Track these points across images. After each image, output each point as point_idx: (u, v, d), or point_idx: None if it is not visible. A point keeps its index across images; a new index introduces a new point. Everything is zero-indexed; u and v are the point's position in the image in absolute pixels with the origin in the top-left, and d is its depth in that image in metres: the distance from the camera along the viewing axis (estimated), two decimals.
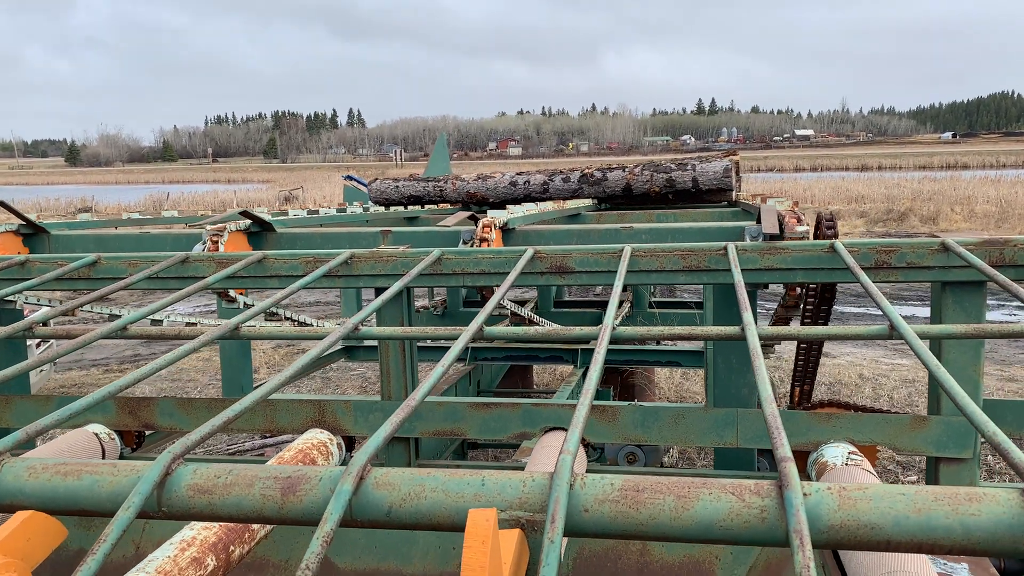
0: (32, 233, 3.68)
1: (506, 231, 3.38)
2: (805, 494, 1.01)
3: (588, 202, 5.42)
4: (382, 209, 6.73)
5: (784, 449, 1.10)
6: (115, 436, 2.82)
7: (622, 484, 1.07)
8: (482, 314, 1.88)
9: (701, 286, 7.65)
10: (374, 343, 6.37)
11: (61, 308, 2.21)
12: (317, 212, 4.75)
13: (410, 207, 6.71)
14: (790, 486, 1.00)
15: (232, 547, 1.94)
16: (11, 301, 3.28)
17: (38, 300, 3.75)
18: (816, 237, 2.93)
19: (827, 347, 11.79)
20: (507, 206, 4.04)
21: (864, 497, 1.00)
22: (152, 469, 1.16)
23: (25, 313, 3.41)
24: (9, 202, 3.86)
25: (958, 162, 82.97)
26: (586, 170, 5.90)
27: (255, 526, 2.01)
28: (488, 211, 3.62)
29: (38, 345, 8.83)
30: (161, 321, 4.43)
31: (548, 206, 4.52)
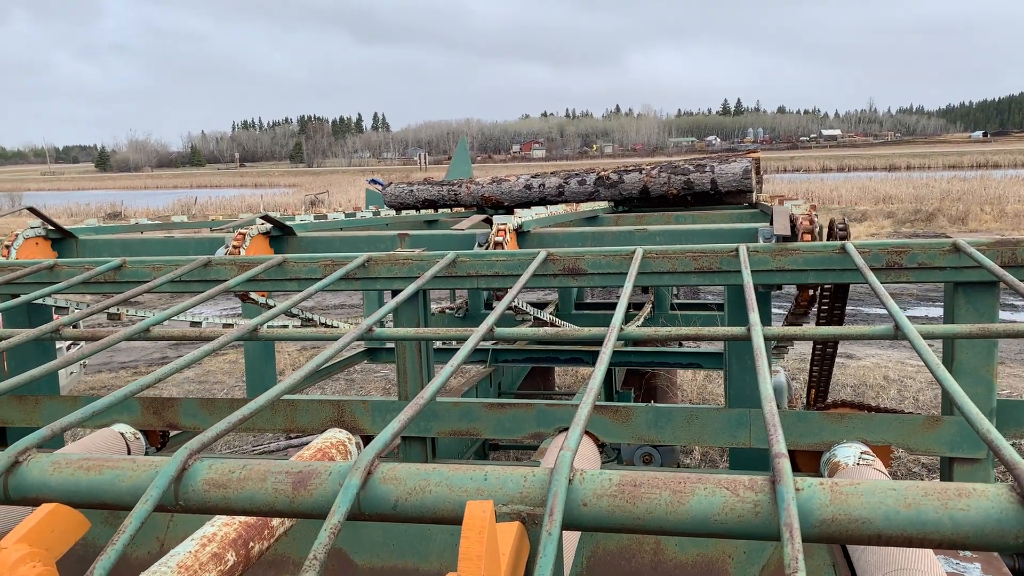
0: (60, 238, 3.77)
1: (520, 234, 3.42)
2: (797, 489, 1.03)
3: (604, 205, 5.44)
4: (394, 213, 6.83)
5: (779, 445, 1.12)
6: (140, 436, 2.90)
7: (620, 479, 1.11)
8: (493, 314, 1.92)
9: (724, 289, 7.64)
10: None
11: (88, 311, 2.28)
12: (325, 217, 4.82)
13: (424, 211, 6.78)
14: (782, 481, 1.02)
15: (252, 543, 2.00)
16: (41, 304, 3.37)
17: (66, 303, 3.84)
18: (829, 239, 2.93)
19: (852, 349, 11.70)
20: (515, 210, 4.08)
21: (855, 492, 1.03)
22: (169, 464, 1.21)
23: (54, 316, 3.50)
24: (41, 208, 3.96)
25: (989, 161, 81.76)
26: (602, 172, 5.91)
27: (274, 523, 2.07)
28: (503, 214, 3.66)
29: (68, 348, 8.99)
30: (199, 323, 4.52)
31: (560, 209, 4.55)
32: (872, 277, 2.00)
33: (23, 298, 2.60)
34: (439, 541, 2.51)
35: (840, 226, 2.79)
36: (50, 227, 3.62)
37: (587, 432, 2.63)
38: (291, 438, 8.58)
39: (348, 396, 5.09)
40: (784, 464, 1.06)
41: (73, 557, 1.25)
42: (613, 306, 8.00)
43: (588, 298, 8.68)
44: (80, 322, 2.43)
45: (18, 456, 1.29)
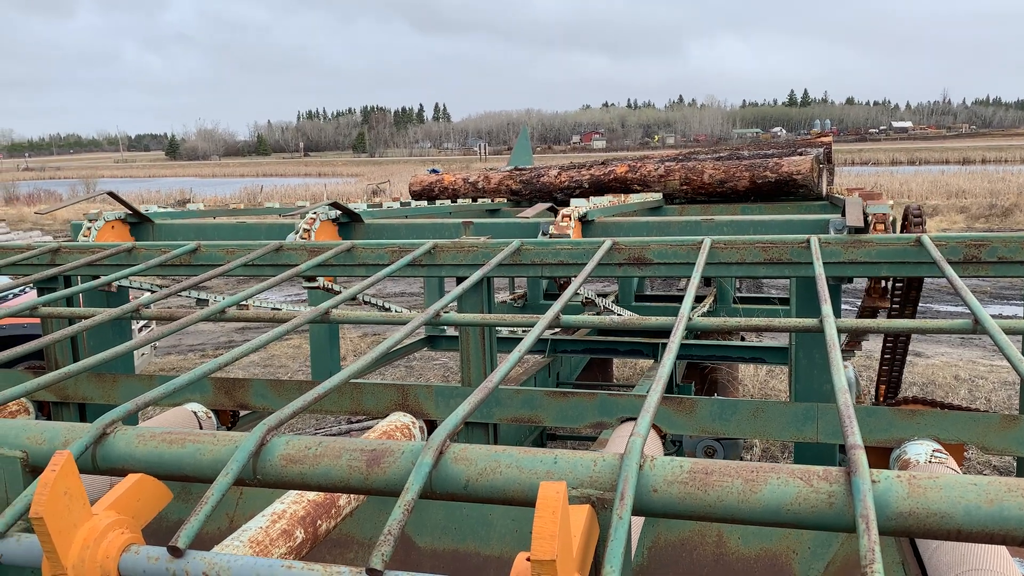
0: (138, 222, 3.91)
1: (585, 222, 3.41)
2: (874, 481, 1.02)
3: (658, 196, 5.36)
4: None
5: (855, 437, 1.11)
6: (212, 415, 2.99)
7: (691, 466, 1.10)
8: (559, 302, 1.93)
9: (789, 283, 7.47)
10: (456, 333, 6.48)
11: (165, 292, 2.36)
12: (379, 206, 4.87)
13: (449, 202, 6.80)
14: (858, 472, 1.01)
15: (319, 521, 2.05)
16: (120, 285, 3.49)
17: (141, 285, 3.97)
18: (903, 231, 2.86)
19: (920, 347, 11.38)
20: (561, 201, 4.04)
21: (934, 486, 1.01)
22: (248, 439, 1.25)
23: (131, 298, 3.63)
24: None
25: None
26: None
27: (341, 502, 2.11)
28: (570, 202, 3.65)
29: (140, 330, 9.29)
30: (262, 307, 4.64)
31: (606, 200, 4.50)
32: (950, 270, 1.94)
33: (104, 279, 2.70)
34: (500, 526, 2.53)
35: (916, 215, 2.72)
36: (128, 212, 3.76)
37: None
38: (352, 422, 8.74)
39: (411, 381, 5.13)
40: (860, 456, 1.05)
41: (148, 531, 1.30)
42: (673, 298, 7.94)
43: (647, 290, 8.61)
44: (154, 303, 2.51)
45: (106, 428, 1.34)
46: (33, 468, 1.37)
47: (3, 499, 1.38)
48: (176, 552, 1.08)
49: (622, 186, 5.81)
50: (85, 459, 1.32)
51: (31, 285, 2.80)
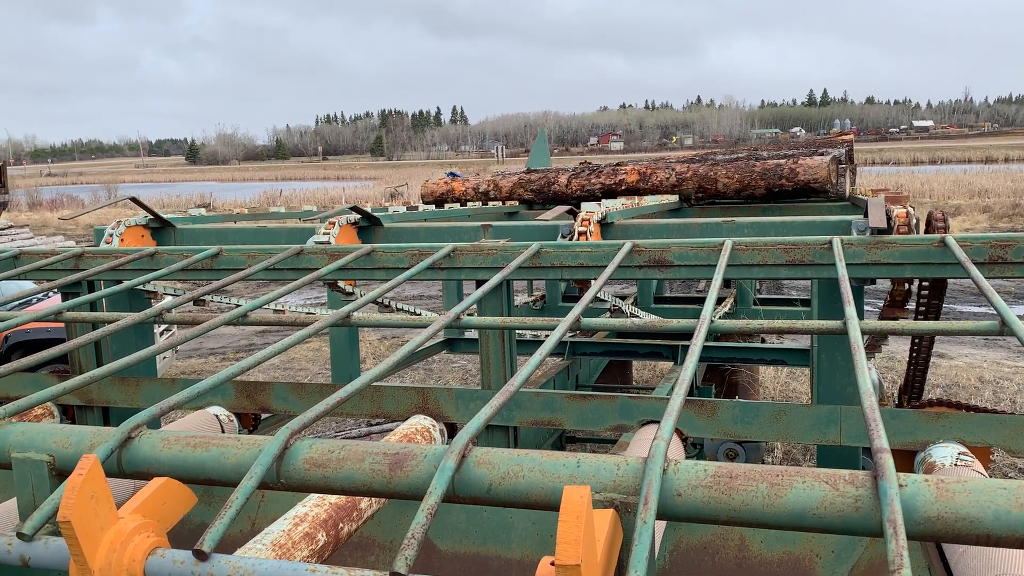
0: (159, 227, 3.94)
1: (604, 225, 3.41)
2: (901, 485, 1.01)
3: (674, 199, 5.32)
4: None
5: (881, 440, 1.10)
6: (233, 418, 3.00)
7: (715, 470, 1.10)
8: (579, 305, 1.92)
9: (809, 284, 7.41)
10: (475, 336, 6.48)
11: (188, 296, 2.38)
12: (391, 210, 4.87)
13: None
14: (885, 476, 1.00)
15: (341, 524, 2.05)
16: (140, 289, 3.52)
17: (163, 289, 4.01)
18: (927, 232, 2.83)
19: (944, 348, 11.26)
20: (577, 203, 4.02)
21: (963, 490, 1.00)
22: (272, 443, 1.25)
23: (152, 301, 3.65)
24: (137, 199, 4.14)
25: None
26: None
27: (363, 505, 2.12)
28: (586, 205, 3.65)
29: (161, 333, 9.37)
30: (281, 311, 4.66)
31: (618, 204, 4.47)
32: (975, 271, 1.92)
33: (127, 283, 2.72)
34: (521, 529, 2.53)
35: (939, 219, 2.69)
36: (150, 216, 3.79)
37: None
38: (371, 424, 8.76)
39: (431, 384, 5.14)
40: (887, 459, 1.04)
41: (169, 531, 1.31)
42: (693, 300, 7.90)
43: (666, 292, 8.58)
44: (177, 308, 2.52)
45: (131, 432, 1.35)
46: (60, 472, 1.39)
47: (30, 502, 1.39)
48: (201, 556, 1.09)
49: (634, 194, 5.78)
50: (111, 463, 1.33)
51: (55, 289, 2.83)
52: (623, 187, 5.91)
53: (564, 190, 6.23)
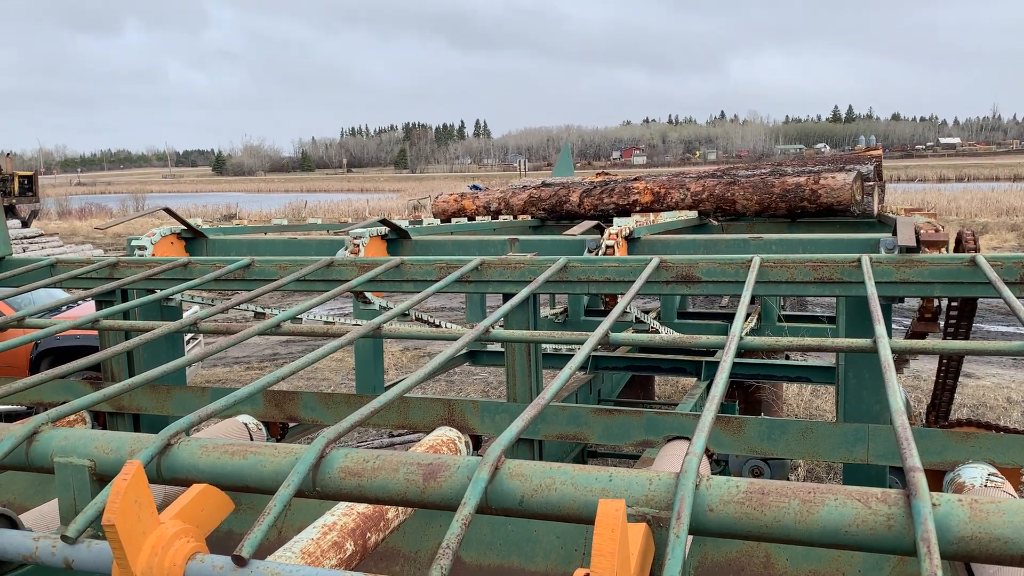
0: (192, 237, 4.00)
1: (631, 240, 3.42)
2: (934, 504, 1.01)
3: (693, 214, 5.31)
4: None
5: (913, 459, 1.10)
6: (262, 427, 3.04)
7: (748, 486, 1.11)
8: (608, 320, 1.94)
9: (834, 301, 7.35)
10: (496, 349, 6.50)
11: (221, 306, 2.42)
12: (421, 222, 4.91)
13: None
14: (918, 495, 1.01)
15: (368, 534, 2.07)
16: (173, 298, 3.57)
17: (192, 298, 4.06)
18: (956, 251, 2.82)
19: (971, 368, 11.12)
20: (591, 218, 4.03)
21: (997, 511, 1.00)
22: (309, 451, 1.28)
23: (184, 311, 3.71)
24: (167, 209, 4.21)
25: None
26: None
27: (389, 515, 2.14)
28: (614, 220, 3.67)
29: (187, 341, 9.47)
30: (299, 319, 4.71)
31: (655, 217, 4.48)
32: (1007, 291, 1.92)
33: (161, 293, 2.77)
34: (545, 543, 2.53)
35: (969, 238, 2.68)
36: (183, 227, 3.85)
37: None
38: (393, 435, 8.79)
39: (457, 396, 5.16)
40: (920, 478, 1.04)
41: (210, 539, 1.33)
42: (716, 315, 7.87)
43: (690, 307, 8.56)
44: (210, 317, 2.56)
45: (170, 439, 1.38)
46: (100, 477, 1.42)
47: (71, 506, 1.42)
48: (240, 561, 1.11)
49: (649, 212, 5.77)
50: (150, 469, 1.36)
51: (83, 299, 2.88)
52: (636, 208, 5.90)
53: (576, 209, 6.22)
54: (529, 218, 6.46)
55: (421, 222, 5.29)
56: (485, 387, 11.10)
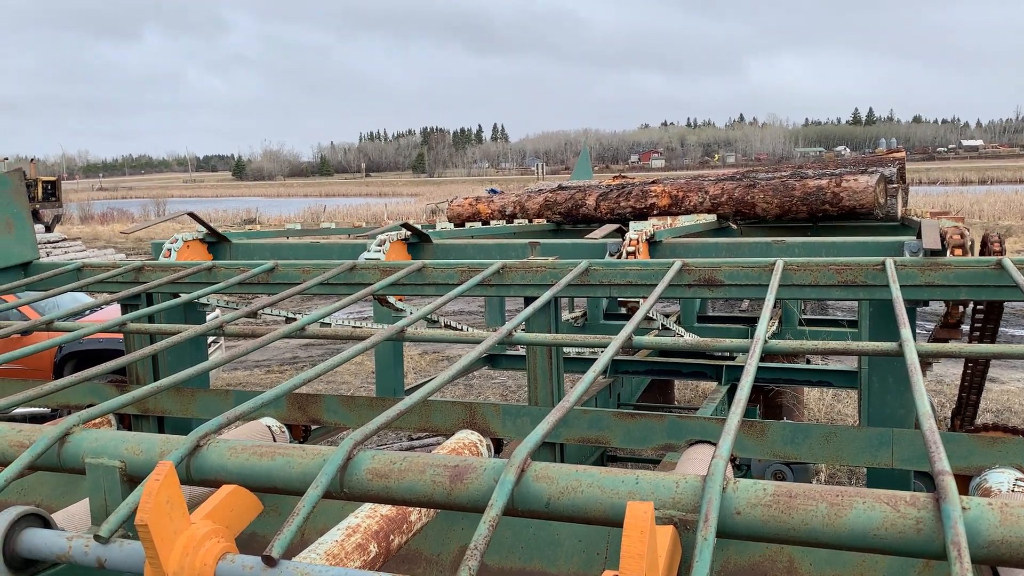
0: (215, 241, 4.05)
1: (652, 243, 3.42)
2: (964, 508, 1.01)
3: (712, 218, 5.28)
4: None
5: (942, 463, 1.10)
6: (285, 429, 3.06)
7: (775, 490, 1.11)
8: (631, 324, 1.94)
9: (856, 305, 7.31)
10: (516, 353, 6.51)
11: (246, 310, 2.44)
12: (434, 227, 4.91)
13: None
14: (947, 499, 1.00)
15: (392, 536, 2.08)
16: (195, 301, 3.61)
17: (216, 302, 4.10)
18: (982, 255, 2.80)
19: (995, 372, 11.00)
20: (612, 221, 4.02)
21: None
22: (337, 453, 1.29)
23: (208, 315, 3.74)
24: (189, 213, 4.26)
25: None
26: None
27: (412, 517, 2.14)
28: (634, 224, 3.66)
29: (209, 344, 9.53)
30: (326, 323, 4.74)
31: (672, 221, 4.46)
32: None
33: (186, 297, 2.80)
34: (567, 546, 2.53)
35: (995, 241, 2.66)
36: (207, 231, 3.89)
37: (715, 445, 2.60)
38: (412, 438, 8.82)
39: (478, 400, 5.18)
40: (949, 482, 1.04)
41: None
42: (736, 319, 7.84)
43: (710, 310, 8.53)
44: (235, 321, 2.59)
45: (200, 440, 1.40)
46: (131, 478, 1.44)
47: (102, 507, 1.44)
48: (270, 562, 1.12)
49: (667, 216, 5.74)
50: (180, 469, 1.38)
51: (107, 303, 2.92)
52: (654, 211, 5.88)
53: (592, 212, 6.20)
54: (544, 222, 6.46)
55: (435, 227, 5.32)
56: (504, 391, 11.11)
